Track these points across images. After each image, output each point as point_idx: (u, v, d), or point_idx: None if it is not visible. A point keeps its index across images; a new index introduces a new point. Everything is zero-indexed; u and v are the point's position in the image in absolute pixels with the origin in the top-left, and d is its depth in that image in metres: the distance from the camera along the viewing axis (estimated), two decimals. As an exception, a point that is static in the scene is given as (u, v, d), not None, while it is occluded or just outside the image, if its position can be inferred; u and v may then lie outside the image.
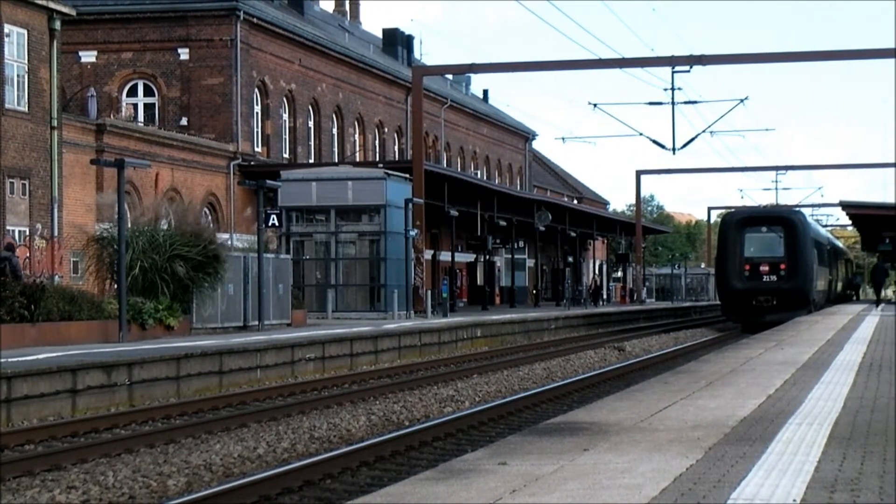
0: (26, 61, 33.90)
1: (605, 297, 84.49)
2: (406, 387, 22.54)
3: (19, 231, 33.71)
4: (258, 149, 49.60)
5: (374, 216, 40.56)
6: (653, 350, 34.87)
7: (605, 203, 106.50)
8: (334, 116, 56.69)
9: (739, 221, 45.07)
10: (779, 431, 9.48)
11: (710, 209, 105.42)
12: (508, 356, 31.41)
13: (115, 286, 26.53)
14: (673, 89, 50.04)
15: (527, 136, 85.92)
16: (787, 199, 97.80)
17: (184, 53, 47.22)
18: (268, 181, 34.00)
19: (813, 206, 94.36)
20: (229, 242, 32.93)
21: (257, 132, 49.77)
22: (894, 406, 11.25)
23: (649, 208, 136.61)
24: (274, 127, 50.97)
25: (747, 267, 44.01)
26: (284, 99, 51.97)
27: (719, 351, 22.81)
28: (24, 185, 33.84)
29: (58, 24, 34.81)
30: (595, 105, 52.65)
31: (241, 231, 43.25)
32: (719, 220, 64.04)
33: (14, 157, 33.35)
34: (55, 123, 34.81)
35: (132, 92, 48.10)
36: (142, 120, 45.70)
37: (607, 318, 51.55)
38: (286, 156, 52.03)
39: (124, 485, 12.06)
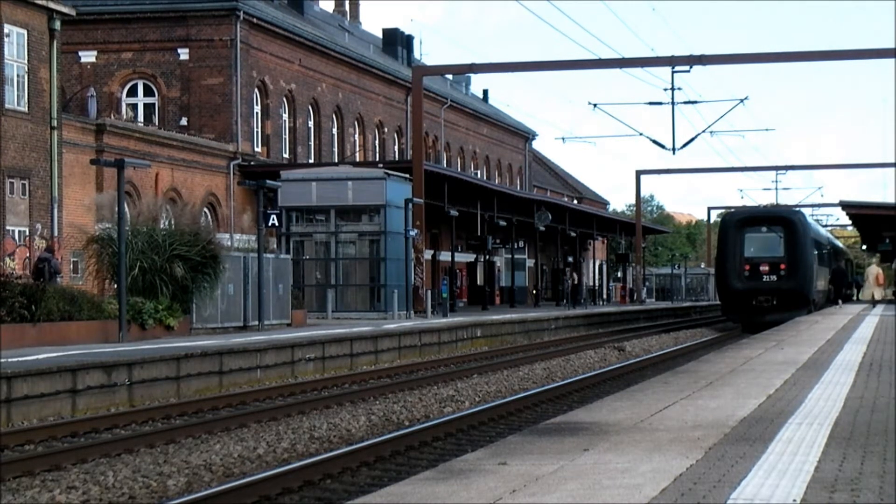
0: (26, 61, 33.90)
1: (605, 296, 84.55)
2: (406, 387, 22.53)
3: (19, 231, 33.71)
4: (258, 149, 49.60)
5: (374, 216, 40.56)
6: (653, 350, 34.85)
7: (605, 203, 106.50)
8: (334, 116, 56.69)
9: (739, 221, 45.06)
10: (779, 431, 9.48)
11: (710, 209, 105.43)
12: (508, 356, 31.40)
13: (115, 286, 26.53)
14: (673, 89, 50.11)
15: (527, 136, 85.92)
16: (787, 199, 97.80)
17: (184, 53, 47.22)
18: (268, 181, 34.00)
19: (813, 206, 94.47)
20: (229, 242, 32.91)
21: (257, 132, 49.77)
22: (894, 406, 11.25)
23: (649, 208, 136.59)
24: (274, 127, 50.98)
25: (747, 267, 44.00)
26: (284, 99, 51.97)
27: (719, 351, 22.80)
28: (24, 185, 33.84)
29: (58, 24, 34.82)
30: (595, 105, 52.74)
31: (241, 231, 43.23)
32: (719, 220, 64.03)
33: (14, 157, 33.35)
34: (55, 123, 34.81)
35: (132, 92, 48.10)
36: (142, 120, 45.71)
37: (607, 318, 51.54)
38: (286, 156, 52.03)
39: (124, 485, 12.06)
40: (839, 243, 77.28)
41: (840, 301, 52.84)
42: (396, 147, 64.03)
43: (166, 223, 29.84)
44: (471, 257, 64.66)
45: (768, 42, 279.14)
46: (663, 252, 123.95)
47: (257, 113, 49.73)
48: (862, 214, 54.24)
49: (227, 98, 47.07)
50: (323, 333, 27.67)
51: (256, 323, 30.63)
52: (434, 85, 65.60)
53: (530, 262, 75.92)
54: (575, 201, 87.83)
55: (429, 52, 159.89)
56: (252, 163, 47.71)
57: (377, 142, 61.74)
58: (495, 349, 34.60)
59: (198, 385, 21.32)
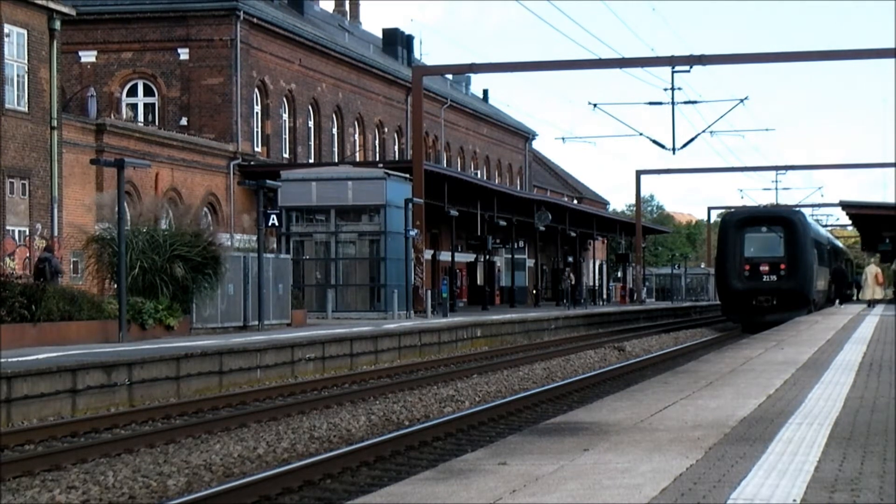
0: (26, 61, 33.90)
1: (605, 296, 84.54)
2: (406, 387, 22.53)
3: (19, 231, 33.71)
4: (258, 149, 49.60)
5: (374, 216, 40.55)
6: (653, 350, 34.85)
7: (605, 203, 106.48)
8: (334, 116, 56.69)
9: (739, 221, 45.06)
10: (779, 431, 9.48)
11: (710, 209, 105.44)
12: (508, 356, 31.40)
13: (115, 286, 26.53)
14: (673, 89, 50.13)
15: (527, 136, 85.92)
16: (787, 199, 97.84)
17: (184, 53, 47.22)
18: (268, 181, 34.00)
19: (813, 206, 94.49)
20: (229, 242, 32.89)
21: (257, 132, 49.77)
22: (894, 406, 11.25)
23: (649, 208, 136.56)
24: (274, 127, 50.97)
25: (747, 267, 44.01)
26: (284, 99, 51.97)
27: (719, 351, 22.79)
28: (24, 185, 33.84)
29: (58, 24, 34.82)
30: (595, 105, 52.76)
31: (241, 231, 43.22)
32: (719, 220, 64.04)
33: (14, 157, 33.35)
34: (55, 123, 34.81)
35: (132, 92, 48.11)
36: (142, 120, 45.70)
37: (607, 318, 51.53)
38: (286, 156, 52.03)
39: (124, 485, 12.06)
40: (839, 243, 77.26)
41: (838, 301, 52.99)
42: (396, 147, 64.03)
43: (167, 223, 29.82)
44: (471, 257, 64.66)
45: (768, 42, 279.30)
46: (663, 252, 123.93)
47: (257, 113, 49.73)
48: (862, 214, 54.24)
49: (227, 98, 47.07)
50: (323, 333, 27.67)
51: (256, 323, 30.63)
52: (434, 85, 65.60)
53: (530, 262, 75.92)
54: (575, 201, 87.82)
55: (429, 52, 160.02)
56: (252, 163, 47.71)
57: (377, 142, 61.74)
58: (495, 349, 34.60)
59: (198, 385, 21.32)
